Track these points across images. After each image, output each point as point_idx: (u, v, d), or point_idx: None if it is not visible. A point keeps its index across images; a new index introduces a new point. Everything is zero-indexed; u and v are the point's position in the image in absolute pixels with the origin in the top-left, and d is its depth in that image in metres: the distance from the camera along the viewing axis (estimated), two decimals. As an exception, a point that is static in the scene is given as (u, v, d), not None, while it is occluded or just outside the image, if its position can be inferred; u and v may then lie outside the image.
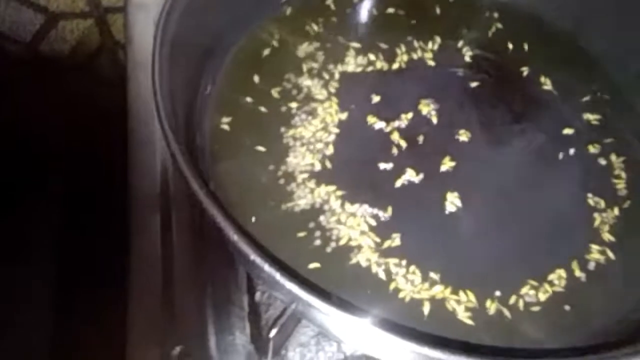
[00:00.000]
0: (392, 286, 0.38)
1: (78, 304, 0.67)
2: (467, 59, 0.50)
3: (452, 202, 0.41)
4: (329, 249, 0.39)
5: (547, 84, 0.49)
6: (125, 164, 0.49)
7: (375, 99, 0.46)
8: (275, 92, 0.46)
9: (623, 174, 0.44)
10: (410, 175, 0.42)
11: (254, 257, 0.28)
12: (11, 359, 0.67)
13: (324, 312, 0.27)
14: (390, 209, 0.41)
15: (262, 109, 0.45)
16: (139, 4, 0.60)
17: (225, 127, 0.44)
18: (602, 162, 0.45)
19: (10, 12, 0.60)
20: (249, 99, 0.45)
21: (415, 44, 0.50)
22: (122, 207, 0.47)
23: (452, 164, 0.43)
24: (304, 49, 0.49)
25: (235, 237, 0.28)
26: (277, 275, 0.28)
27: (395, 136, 0.44)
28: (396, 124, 0.45)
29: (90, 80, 0.69)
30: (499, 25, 0.53)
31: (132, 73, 0.55)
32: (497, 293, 0.38)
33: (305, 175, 0.42)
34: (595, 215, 0.42)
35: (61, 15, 0.63)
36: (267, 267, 0.28)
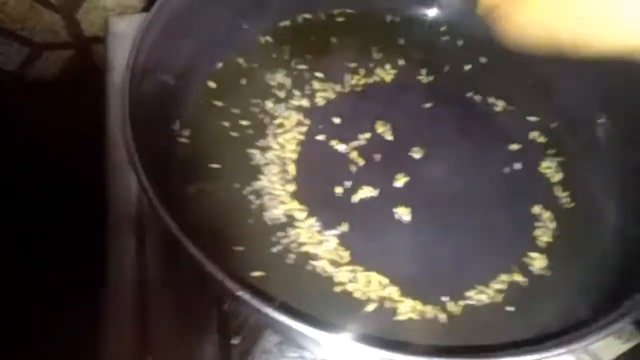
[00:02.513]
0: (340, 289, 0.41)
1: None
2: (422, 80, 0.54)
3: (405, 215, 0.45)
4: (289, 261, 0.42)
5: (496, 104, 0.52)
6: (102, 186, 0.52)
7: (336, 120, 0.50)
8: (242, 118, 0.49)
9: (564, 187, 0.47)
10: (367, 192, 0.46)
11: (208, 267, 0.31)
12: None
13: (274, 323, 0.30)
14: (347, 222, 0.44)
15: (231, 133, 0.48)
16: (119, 34, 0.63)
17: (192, 148, 0.47)
18: (546, 176, 0.48)
19: (-4, 45, 0.64)
20: (217, 123, 0.49)
21: (375, 67, 0.54)
22: (96, 230, 0.49)
23: (406, 179, 0.47)
24: (272, 76, 0.52)
25: (191, 249, 0.31)
26: (227, 282, 0.31)
27: (354, 155, 0.48)
28: (355, 143, 0.48)
29: (72, 106, 0.72)
30: (455, 48, 0.57)
31: (111, 99, 0.58)
32: (443, 296, 0.41)
33: (270, 194, 0.45)
34: (537, 224, 0.45)
35: (44, 46, 0.67)
36: (218, 275, 0.31)
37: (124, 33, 0.63)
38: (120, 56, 0.61)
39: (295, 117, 0.50)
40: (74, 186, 0.71)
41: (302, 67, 0.53)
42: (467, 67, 0.55)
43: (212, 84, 0.51)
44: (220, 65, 0.53)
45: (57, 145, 0.72)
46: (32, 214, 0.80)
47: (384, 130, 0.49)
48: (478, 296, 0.41)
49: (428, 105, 0.51)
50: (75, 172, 0.71)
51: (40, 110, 0.72)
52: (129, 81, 0.41)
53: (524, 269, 0.43)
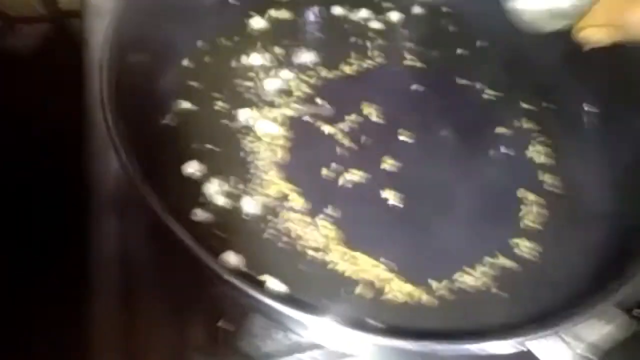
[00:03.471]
0: (329, 269, 0.41)
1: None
2: (409, 62, 0.53)
3: (392, 197, 0.44)
4: (280, 244, 0.42)
5: (485, 90, 0.52)
6: (80, 165, 0.51)
7: (321, 102, 0.49)
8: (225, 99, 0.48)
9: (552, 172, 0.47)
10: (354, 174, 0.45)
11: (195, 251, 0.31)
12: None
13: (262, 307, 0.30)
14: (335, 205, 0.43)
15: (214, 114, 0.47)
16: (96, 8, 0.61)
17: (177, 128, 0.46)
18: (531, 159, 0.48)
19: (-34, 17, 0.61)
20: (196, 104, 0.48)
21: (365, 50, 0.53)
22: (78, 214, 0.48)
23: (393, 162, 0.46)
24: (255, 57, 0.51)
25: (181, 236, 0.31)
26: (215, 266, 0.30)
27: (340, 137, 0.47)
28: (341, 125, 0.48)
29: (47, 82, 0.70)
30: (446, 31, 0.56)
31: (88, 75, 0.57)
32: (431, 279, 0.41)
33: (258, 178, 0.44)
34: (522, 207, 0.46)
35: (19, 20, 0.64)
36: (206, 261, 0.30)
37: (100, 7, 0.61)
38: (97, 31, 0.59)
39: (281, 99, 0.49)
40: (52, 165, 0.69)
41: (289, 48, 0.52)
42: (459, 53, 0.54)
43: (192, 63, 0.50)
44: (201, 43, 0.51)
45: (32, 121, 0.70)
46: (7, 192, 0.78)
47: (370, 112, 0.49)
48: (464, 279, 0.41)
49: (416, 87, 0.51)
50: (53, 150, 0.69)
51: (15, 85, 0.69)
52: (108, 58, 0.40)
53: (511, 253, 0.43)
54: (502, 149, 0.48)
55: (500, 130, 0.50)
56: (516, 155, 0.48)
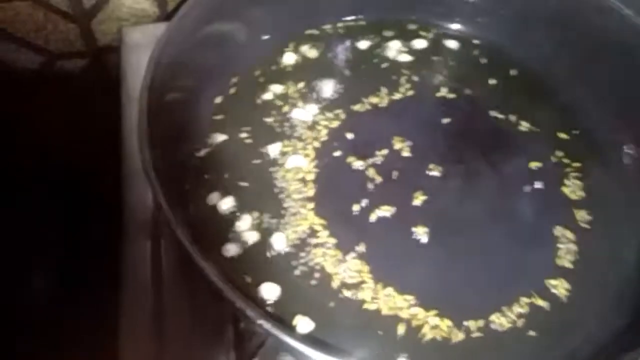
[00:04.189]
0: (366, 307, 0.40)
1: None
2: (440, 95, 0.53)
3: (423, 234, 0.44)
4: (311, 281, 0.41)
5: (519, 123, 0.51)
6: (118, 194, 0.52)
7: (352, 136, 0.49)
8: (257, 133, 0.49)
9: (587, 209, 0.46)
10: (385, 210, 0.45)
11: (227, 293, 0.31)
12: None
13: (293, 348, 0.29)
14: (366, 241, 0.43)
15: (247, 148, 0.48)
16: (133, 44, 0.63)
17: (210, 163, 0.47)
18: (567, 195, 0.47)
19: (9, 53, 0.64)
20: (228, 138, 0.48)
21: (395, 83, 0.53)
22: (113, 239, 0.49)
23: (424, 197, 0.46)
24: (286, 91, 0.52)
25: (210, 275, 0.31)
26: (248, 311, 0.30)
27: (371, 172, 0.47)
28: (372, 160, 0.48)
29: (87, 115, 0.72)
30: (477, 62, 0.56)
31: (125, 108, 0.58)
32: (465, 319, 0.40)
33: (289, 213, 0.45)
34: (560, 246, 0.44)
35: (59, 56, 0.66)
36: (238, 304, 0.30)
37: (137, 43, 0.63)
38: (134, 66, 0.61)
39: (311, 133, 0.49)
40: (90, 193, 0.71)
41: (319, 83, 0.53)
42: (491, 84, 0.54)
43: (225, 98, 0.51)
44: (234, 79, 0.52)
45: (71, 154, 0.72)
46: (50, 221, 0.81)
47: (402, 147, 0.49)
48: (500, 320, 0.40)
49: (447, 121, 0.51)
50: (90, 181, 0.71)
51: (54, 118, 0.72)
52: (147, 95, 0.41)
53: (546, 293, 0.42)
54: (537, 185, 0.47)
55: (534, 164, 0.49)
56: (551, 190, 0.47)
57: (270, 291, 0.40)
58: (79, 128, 0.71)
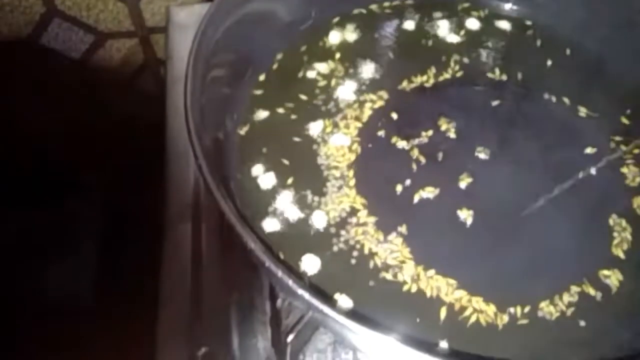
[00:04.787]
0: (407, 289, 0.39)
1: (113, 307, 0.71)
2: (491, 76, 0.51)
3: (469, 217, 0.42)
4: (353, 261, 0.41)
5: (571, 105, 0.49)
6: (161, 174, 0.52)
7: (396, 116, 0.48)
8: (301, 109, 0.48)
9: (644, 194, 0.44)
10: (429, 192, 0.44)
11: (268, 264, 0.30)
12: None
13: (337, 322, 0.29)
14: (409, 223, 0.42)
15: (289, 123, 0.47)
16: (179, 24, 0.64)
17: (253, 139, 0.47)
18: (624, 182, 0.45)
19: (63, 31, 0.65)
20: (272, 116, 0.48)
21: (443, 63, 0.52)
22: (156, 215, 0.50)
23: (470, 180, 0.44)
24: (331, 70, 0.51)
25: (252, 245, 0.31)
26: (290, 282, 0.30)
27: (415, 153, 0.46)
28: (416, 140, 0.46)
29: (134, 94, 0.74)
30: (534, 46, 0.54)
31: (171, 88, 0.59)
32: (511, 305, 0.39)
33: (331, 192, 0.44)
34: (615, 235, 0.42)
35: (109, 35, 0.68)
36: (280, 274, 0.30)
37: (184, 23, 0.64)
38: (180, 46, 0.62)
39: (355, 112, 0.48)
40: (135, 172, 0.73)
41: (367, 60, 0.51)
42: (545, 66, 0.52)
43: (269, 76, 0.51)
44: (279, 56, 0.52)
45: (118, 131, 0.74)
46: (95, 197, 0.83)
47: (447, 127, 0.47)
48: (548, 308, 0.38)
49: (497, 103, 0.49)
50: (136, 158, 0.72)
51: (103, 96, 0.73)
52: (192, 70, 0.41)
53: (598, 282, 0.40)
54: (593, 171, 0.45)
55: (590, 149, 0.46)
56: (608, 177, 0.45)
57: (310, 264, 0.40)
58: (125, 108, 0.73)
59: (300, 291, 0.29)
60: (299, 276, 0.38)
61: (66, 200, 0.80)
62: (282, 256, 0.40)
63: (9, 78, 0.65)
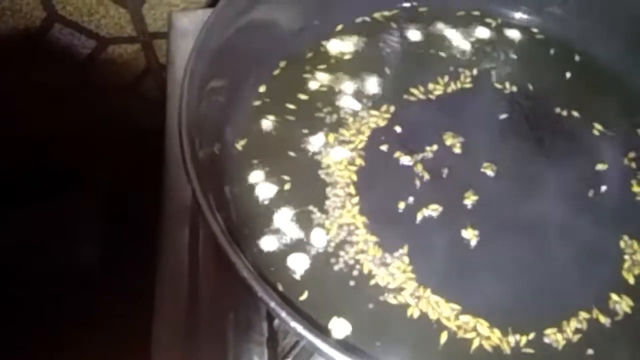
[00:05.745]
0: (408, 312, 0.38)
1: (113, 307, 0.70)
2: (499, 88, 0.49)
3: (474, 237, 0.41)
4: (352, 282, 0.39)
5: (581, 120, 0.47)
6: (160, 177, 0.51)
7: (400, 130, 0.46)
8: (302, 122, 0.47)
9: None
10: (433, 210, 0.42)
11: (261, 294, 0.29)
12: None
13: (327, 355, 0.28)
14: (411, 242, 0.41)
15: (289, 136, 0.46)
16: (181, 30, 0.62)
17: (251, 153, 0.45)
18: (636, 201, 0.43)
19: (64, 37, 0.65)
20: (271, 129, 0.46)
21: (450, 75, 0.50)
22: (154, 220, 0.49)
23: (475, 198, 0.43)
24: (333, 81, 0.49)
25: (244, 273, 0.29)
26: (283, 314, 0.28)
27: (419, 168, 0.44)
28: (420, 156, 0.45)
29: (136, 99, 0.73)
30: (547, 56, 0.52)
31: (171, 93, 0.58)
32: (517, 331, 0.37)
33: (331, 209, 0.42)
34: (626, 257, 0.40)
35: (111, 40, 0.67)
36: (272, 305, 0.28)
37: (186, 28, 0.62)
38: (182, 51, 0.61)
39: (358, 125, 0.47)
40: (136, 176, 0.72)
41: (370, 71, 0.50)
42: (556, 79, 0.50)
43: (272, 86, 0.49)
44: (281, 66, 0.50)
45: (120, 136, 0.73)
46: (93, 200, 0.82)
47: (453, 142, 0.46)
48: (554, 336, 0.37)
49: (504, 117, 0.47)
50: (137, 163, 0.72)
51: (105, 101, 0.73)
52: (188, 81, 0.40)
53: (607, 309, 0.38)
54: (604, 189, 0.43)
55: (601, 166, 0.45)
56: (619, 195, 0.43)
57: (308, 287, 0.38)
58: (127, 113, 0.72)
59: (293, 323, 0.28)
60: (294, 301, 0.37)
61: (65, 201, 0.80)
62: (284, 275, 0.39)
63: (10, 82, 0.64)
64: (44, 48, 0.64)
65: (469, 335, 0.37)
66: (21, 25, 0.62)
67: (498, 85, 0.49)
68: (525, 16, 0.54)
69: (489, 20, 0.54)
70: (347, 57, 0.51)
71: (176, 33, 0.62)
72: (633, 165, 0.45)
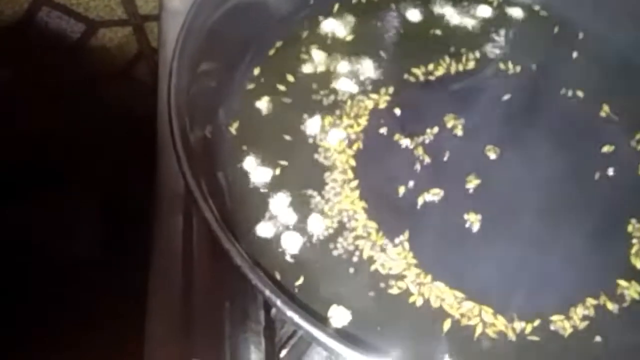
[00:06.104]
0: (409, 300, 0.37)
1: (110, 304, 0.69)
2: (503, 69, 0.48)
3: (476, 222, 0.40)
4: (351, 269, 0.38)
5: (587, 100, 0.46)
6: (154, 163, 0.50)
7: (400, 112, 0.45)
8: (298, 104, 0.45)
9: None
10: (434, 195, 0.41)
11: (256, 282, 0.28)
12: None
13: (325, 345, 0.26)
14: (412, 227, 0.39)
15: (285, 119, 0.44)
16: (173, 11, 0.60)
17: (245, 136, 0.44)
18: (644, 183, 0.42)
19: (52, 20, 0.62)
20: (266, 111, 0.45)
21: (452, 55, 0.48)
22: (147, 208, 0.48)
23: (477, 182, 0.41)
24: (330, 62, 0.48)
25: (238, 261, 0.28)
26: (279, 303, 0.27)
27: (420, 152, 0.43)
28: (420, 139, 0.43)
29: (127, 83, 0.71)
30: (550, 34, 0.50)
31: (162, 77, 0.56)
32: (522, 318, 0.36)
33: (329, 194, 0.41)
34: (634, 241, 0.39)
35: (101, 23, 0.65)
36: (268, 293, 0.27)
37: (178, 9, 0.61)
38: (173, 33, 0.59)
39: (356, 107, 0.45)
40: (127, 163, 0.70)
41: (369, 52, 0.48)
42: (562, 59, 0.48)
43: (266, 68, 0.47)
44: (275, 48, 0.49)
45: (112, 121, 0.71)
46: (87, 193, 0.81)
47: (454, 124, 0.44)
48: (561, 323, 0.36)
49: (507, 97, 0.45)
50: (130, 148, 0.70)
51: (96, 86, 0.71)
52: (177, 65, 0.38)
53: (615, 295, 0.37)
54: (610, 172, 0.42)
55: (607, 148, 0.43)
56: (626, 178, 0.42)
57: (305, 274, 0.37)
58: (120, 97, 0.70)
59: (290, 312, 0.27)
60: (291, 289, 0.36)
61: (57, 194, 0.79)
62: (282, 262, 0.38)
63: (-3, 68, 0.62)
64: (32, 33, 0.62)
65: (472, 322, 0.36)
66: (7, 9, 0.60)
67: (501, 66, 0.48)
68: (528, -7, 0.52)
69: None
70: (344, 37, 0.49)
71: (168, 14, 0.60)
72: (637, 148, 0.44)
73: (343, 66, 0.47)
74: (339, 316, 0.35)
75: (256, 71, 0.47)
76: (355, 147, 0.43)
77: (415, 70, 0.47)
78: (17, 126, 0.70)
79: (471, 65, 0.48)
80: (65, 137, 0.73)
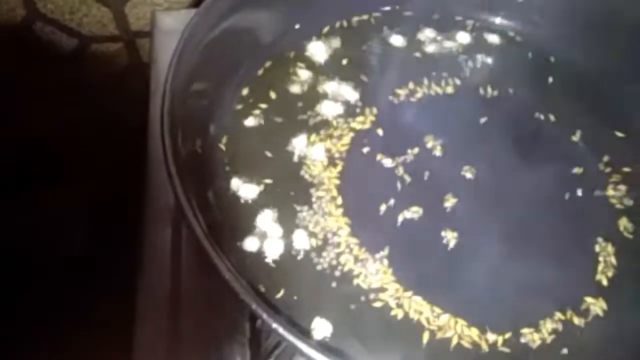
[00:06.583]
0: (389, 313, 0.39)
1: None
2: (481, 93, 0.50)
3: (453, 239, 0.42)
4: (334, 284, 0.40)
5: (559, 124, 0.48)
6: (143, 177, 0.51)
7: (382, 133, 0.47)
8: (284, 124, 0.47)
9: (632, 219, 0.43)
10: (413, 212, 0.43)
11: (243, 296, 0.29)
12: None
13: (308, 356, 0.28)
14: (392, 244, 0.41)
15: (271, 138, 0.46)
16: (165, 29, 0.62)
17: (233, 153, 0.45)
18: (611, 204, 0.44)
19: (45, 35, 0.64)
20: (253, 129, 0.47)
21: (432, 79, 0.51)
22: (136, 220, 0.49)
23: (455, 200, 0.43)
24: (316, 83, 0.50)
25: (226, 275, 0.30)
26: (265, 315, 0.29)
27: (401, 171, 0.45)
28: (401, 159, 0.46)
29: (119, 97, 0.72)
30: (526, 60, 0.53)
31: (154, 93, 0.58)
32: (494, 331, 0.38)
33: (313, 211, 0.43)
34: (600, 259, 0.41)
35: (93, 39, 0.66)
36: (254, 306, 0.29)
37: (169, 28, 0.62)
38: (165, 50, 0.60)
39: (340, 128, 0.47)
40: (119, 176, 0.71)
41: (353, 74, 0.50)
42: (537, 84, 0.51)
43: (254, 88, 0.49)
44: (263, 69, 0.51)
45: (103, 134, 0.73)
46: (74, 201, 0.82)
47: (433, 145, 0.46)
48: (531, 335, 0.38)
49: (484, 120, 0.48)
50: (120, 161, 0.71)
51: (87, 100, 0.72)
52: (171, 82, 0.40)
53: (582, 310, 0.39)
54: (579, 192, 0.44)
55: (577, 169, 0.46)
56: (595, 199, 0.44)
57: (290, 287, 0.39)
58: (110, 111, 0.71)
59: (275, 325, 0.28)
60: (275, 302, 0.37)
61: (50, 198, 0.79)
62: (267, 276, 0.39)
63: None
64: (25, 47, 0.63)
65: (448, 334, 0.38)
66: (1, 23, 0.61)
67: (480, 90, 0.50)
68: (505, 21, 0.55)
69: (469, 25, 0.55)
70: (329, 60, 0.51)
71: (159, 32, 0.62)
72: (608, 169, 0.46)
73: (329, 87, 0.50)
74: (321, 328, 0.37)
75: (245, 91, 0.49)
76: (339, 165, 0.45)
77: (397, 92, 0.49)
78: (2, 135, 0.70)
79: (450, 89, 0.50)
80: (55, 147, 0.74)
